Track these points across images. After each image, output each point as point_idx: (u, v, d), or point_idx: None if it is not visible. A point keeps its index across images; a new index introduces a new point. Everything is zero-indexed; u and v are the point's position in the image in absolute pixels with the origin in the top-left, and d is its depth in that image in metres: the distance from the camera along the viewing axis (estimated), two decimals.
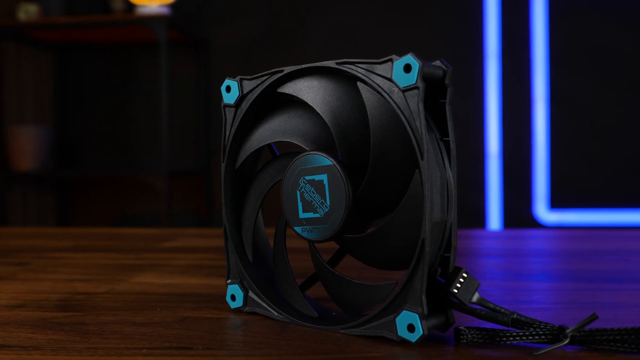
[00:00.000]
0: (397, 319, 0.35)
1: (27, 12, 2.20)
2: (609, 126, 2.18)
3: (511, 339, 0.35)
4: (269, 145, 0.44)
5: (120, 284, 0.54)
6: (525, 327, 0.35)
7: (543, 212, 2.20)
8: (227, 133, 0.44)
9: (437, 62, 0.37)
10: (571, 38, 2.18)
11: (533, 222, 2.20)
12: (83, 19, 2.14)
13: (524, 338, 0.34)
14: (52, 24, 2.17)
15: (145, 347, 0.35)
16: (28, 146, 2.22)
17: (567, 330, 0.34)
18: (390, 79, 0.35)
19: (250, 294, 0.43)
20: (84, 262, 0.66)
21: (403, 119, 0.35)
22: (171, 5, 2.22)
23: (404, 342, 0.35)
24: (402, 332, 0.35)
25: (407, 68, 0.35)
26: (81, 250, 0.76)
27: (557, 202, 2.20)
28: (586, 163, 2.18)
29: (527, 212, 2.22)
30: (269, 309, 0.42)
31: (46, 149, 2.30)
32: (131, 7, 2.24)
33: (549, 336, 0.34)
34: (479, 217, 2.24)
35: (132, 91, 2.46)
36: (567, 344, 0.33)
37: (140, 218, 2.45)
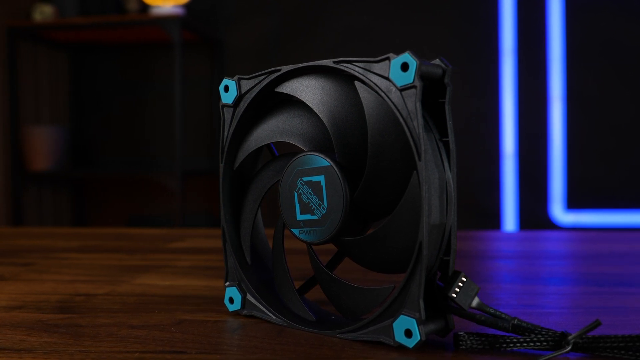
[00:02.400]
0: (395, 324, 0.34)
1: (43, 13, 2.22)
2: (627, 125, 2.15)
3: (511, 345, 0.33)
4: (268, 145, 0.43)
5: (122, 285, 0.54)
6: (526, 333, 0.34)
7: (559, 213, 2.17)
8: (225, 133, 0.43)
9: (437, 61, 0.36)
10: (588, 35, 2.14)
11: (549, 223, 2.18)
12: (98, 19, 2.15)
13: (525, 344, 0.33)
14: (67, 25, 2.19)
15: (137, 351, 0.35)
16: (43, 146, 2.24)
17: (570, 337, 0.32)
18: (387, 78, 0.34)
19: (249, 296, 0.43)
20: (89, 263, 0.66)
21: (400, 118, 0.34)
22: (185, 6, 2.23)
23: (401, 348, 0.34)
24: (400, 337, 0.34)
25: (405, 67, 0.34)
26: (88, 251, 0.76)
27: (573, 202, 2.17)
28: (603, 163, 2.15)
29: (543, 213, 2.19)
30: (267, 312, 0.41)
31: (61, 149, 2.32)
32: (145, 7, 2.25)
33: (550, 342, 0.33)
34: (494, 218, 2.22)
35: (146, 91, 2.47)
36: (570, 350, 0.32)
37: (155, 218, 2.46)
